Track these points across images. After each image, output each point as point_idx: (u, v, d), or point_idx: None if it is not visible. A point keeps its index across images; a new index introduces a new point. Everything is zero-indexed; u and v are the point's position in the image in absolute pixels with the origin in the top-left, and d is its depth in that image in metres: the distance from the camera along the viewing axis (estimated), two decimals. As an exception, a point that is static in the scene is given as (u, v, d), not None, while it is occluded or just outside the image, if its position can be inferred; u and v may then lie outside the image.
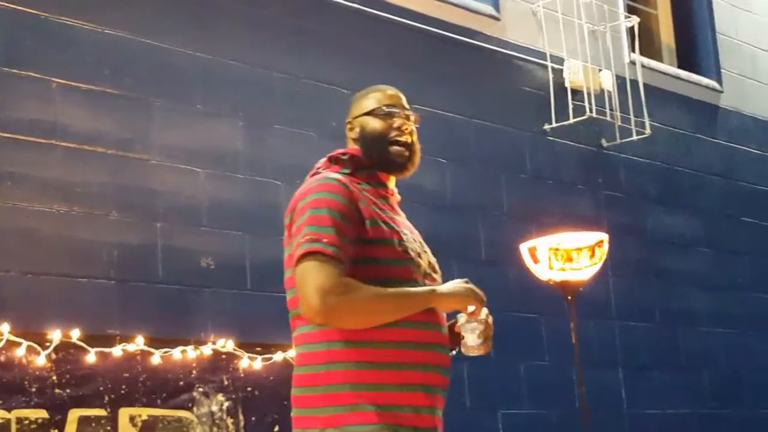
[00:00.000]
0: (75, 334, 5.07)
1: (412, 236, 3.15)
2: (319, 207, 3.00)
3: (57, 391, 4.98)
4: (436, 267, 3.21)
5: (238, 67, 6.14)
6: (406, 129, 3.22)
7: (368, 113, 3.24)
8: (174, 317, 5.56)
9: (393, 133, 3.20)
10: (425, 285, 3.06)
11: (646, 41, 9.01)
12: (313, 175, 3.21)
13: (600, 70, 8.03)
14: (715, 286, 8.74)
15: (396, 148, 3.20)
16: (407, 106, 3.29)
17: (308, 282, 2.91)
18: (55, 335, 5.01)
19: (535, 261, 6.24)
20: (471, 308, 3.05)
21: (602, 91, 7.99)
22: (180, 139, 5.81)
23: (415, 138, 3.25)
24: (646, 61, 8.69)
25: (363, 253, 3.00)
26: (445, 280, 3.14)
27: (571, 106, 7.76)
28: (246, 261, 5.91)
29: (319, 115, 6.44)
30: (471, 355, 3.11)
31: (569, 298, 6.27)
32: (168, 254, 5.61)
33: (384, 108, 3.23)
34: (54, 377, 4.98)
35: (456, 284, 3.04)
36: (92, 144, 5.46)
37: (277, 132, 6.24)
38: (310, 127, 6.34)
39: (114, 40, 5.65)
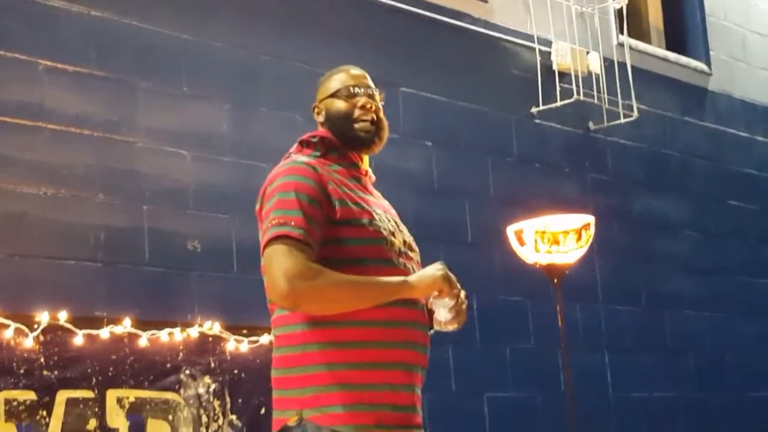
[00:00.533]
0: (62, 316, 5.08)
1: (385, 215, 3.16)
2: (287, 191, 3.00)
3: (45, 372, 4.99)
4: (413, 245, 3.22)
5: (225, 49, 6.14)
6: (370, 107, 3.24)
7: (332, 95, 3.27)
8: (161, 300, 5.56)
9: (357, 113, 3.23)
10: (399, 264, 3.07)
11: (634, 23, 9.01)
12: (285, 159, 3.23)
13: (588, 53, 8.03)
14: (702, 270, 8.76)
15: (361, 124, 3.22)
16: (371, 84, 3.32)
17: (275, 267, 2.91)
18: (43, 317, 5.01)
19: (522, 244, 6.25)
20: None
21: (590, 73, 7.99)
22: (166, 122, 5.81)
23: (381, 115, 3.27)
24: (635, 43, 8.69)
25: (332, 234, 3.00)
26: (430, 263, 3.14)
27: (558, 89, 7.77)
28: (232, 244, 5.91)
29: (305, 98, 6.36)
30: (443, 330, 3.13)
31: (555, 281, 6.29)
32: (155, 237, 5.61)
33: (347, 89, 3.26)
34: (42, 359, 4.99)
35: (428, 270, 3.04)
36: (79, 126, 5.46)
37: (263, 115, 6.24)
38: (296, 109, 6.33)
39: (100, 22, 5.64)
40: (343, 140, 3.23)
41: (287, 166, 3.10)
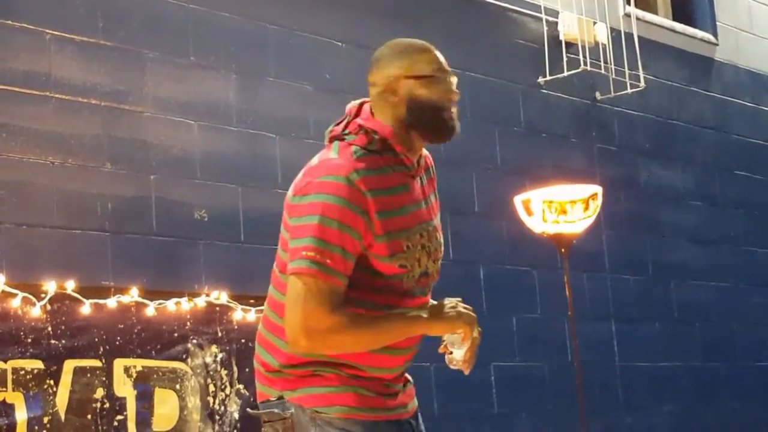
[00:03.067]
0: (70, 285, 5.09)
1: (422, 228, 2.93)
2: (330, 218, 2.76)
3: (52, 342, 5.00)
4: (440, 252, 3.01)
5: (232, 18, 6.12)
6: (457, 98, 2.98)
7: (419, 77, 2.92)
8: (168, 269, 5.57)
9: (449, 107, 2.94)
10: (414, 293, 2.92)
11: (641, -6, 8.98)
12: (334, 139, 2.98)
13: (594, 23, 8.01)
14: (708, 240, 8.76)
15: (453, 119, 2.95)
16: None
17: (299, 309, 2.77)
18: (50, 287, 5.02)
19: (529, 214, 6.25)
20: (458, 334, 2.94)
21: (597, 43, 7.97)
22: (173, 92, 5.80)
23: None
24: (641, 13, 8.66)
25: (361, 262, 2.84)
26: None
27: (565, 59, 7.75)
28: (239, 213, 5.92)
29: (313, 67, 6.43)
30: (452, 367, 3.03)
31: (563, 250, 6.30)
32: (162, 206, 5.62)
33: (440, 75, 2.93)
34: (49, 328, 5.01)
35: (447, 309, 2.87)
36: (86, 96, 5.45)
37: (270, 84, 6.23)
38: (304, 79, 6.33)
39: (107, -9, 5.64)
40: (423, 131, 2.93)
41: (334, 180, 2.80)
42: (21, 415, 4.83)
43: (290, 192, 2.91)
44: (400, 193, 2.90)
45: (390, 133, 2.90)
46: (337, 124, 3.01)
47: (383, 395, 2.93)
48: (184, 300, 5.48)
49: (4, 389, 4.81)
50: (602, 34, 8.01)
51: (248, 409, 3.09)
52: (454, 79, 2.97)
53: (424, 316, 2.86)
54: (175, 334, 5.43)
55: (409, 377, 3.08)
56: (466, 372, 3.00)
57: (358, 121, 2.95)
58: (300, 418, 2.87)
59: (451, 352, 2.99)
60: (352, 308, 2.81)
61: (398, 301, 2.90)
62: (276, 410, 2.91)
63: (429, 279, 2.98)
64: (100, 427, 5.07)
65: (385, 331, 2.85)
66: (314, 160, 2.95)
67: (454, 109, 2.95)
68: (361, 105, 3.02)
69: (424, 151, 3.06)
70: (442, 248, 3.05)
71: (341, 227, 2.76)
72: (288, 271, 2.82)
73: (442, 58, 2.96)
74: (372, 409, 2.90)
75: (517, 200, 6.32)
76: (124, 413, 5.16)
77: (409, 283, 2.90)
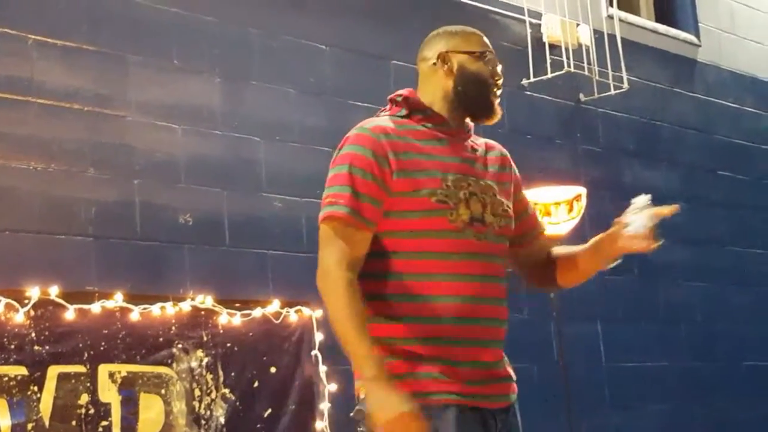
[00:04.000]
0: (53, 291, 5.07)
1: (469, 179, 3.03)
2: (343, 164, 2.96)
3: (36, 348, 4.98)
4: (501, 210, 3.07)
5: (215, 22, 6.11)
6: (502, 83, 3.16)
7: (471, 53, 3.13)
8: (152, 274, 5.56)
9: (494, 82, 3.14)
10: (467, 234, 2.96)
11: (623, -5, 9.00)
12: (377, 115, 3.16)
13: (578, 25, 8.02)
14: (693, 240, 8.77)
15: (497, 95, 3.13)
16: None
17: (321, 250, 2.94)
18: (34, 292, 5.00)
19: (514, 215, 6.25)
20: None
21: (580, 45, 7.98)
22: (157, 96, 5.79)
23: None
24: (624, 15, 8.68)
25: (393, 207, 2.95)
26: None
27: (548, 61, 7.75)
28: (224, 217, 5.90)
29: (297, 70, 6.42)
30: (637, 246, 2.98)
31: (547, 252, 6.29)
32: (146, 211, 5.60)
33: (489, 55, 3.15)
34: (33, 334, 4.98)
35: (391, 399, 2.79)
36: (69, 101, 5.44)
37: (254, 88, 6.22)
38: (287, 83, 6.32)
39: (89, -5, 5.62)
40: (468, 104, 3.11)
41: (356, 132, 3.01)
42: (5, 421, 4.80)
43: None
44: (430, 143, 3.03)
45: (411, 93, 3.10)
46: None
47: (451, 378, 2.92)
48: (168, 304, 5.46)
49: (-11, 396, 4.80)
50: (585, 36, 8.02)
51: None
52: (500, 66, 3.16)
53: (371, 366, 2.83)
54: (160, 339, 5.41)
55: (511, 373, 3.10)
56: (647, 247, 2.98)
57: (389, 97, 3.14)
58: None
59: (631, 222, 2.94)
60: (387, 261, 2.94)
61: (446, 244, 2.95)
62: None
63: (487, 228, 3.01)
64: (85, 433, 5.06)
65: (345, 325, 2.86)
66: None
67: (498, 92, 3.13)
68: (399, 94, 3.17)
69: (502, 148, 3.26)
70: (510, 212, 3.11)
71: (352, 170, 2.93)
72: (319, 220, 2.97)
73: (488, 43, 3.19)
74: (437, 393, 2.91)
75: (502, 202, 6.31)
76: (109, 419, 5.14)
77: (456, 223, 2.95)
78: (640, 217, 2.96)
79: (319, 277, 2.93)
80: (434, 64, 3.13)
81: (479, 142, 3.22)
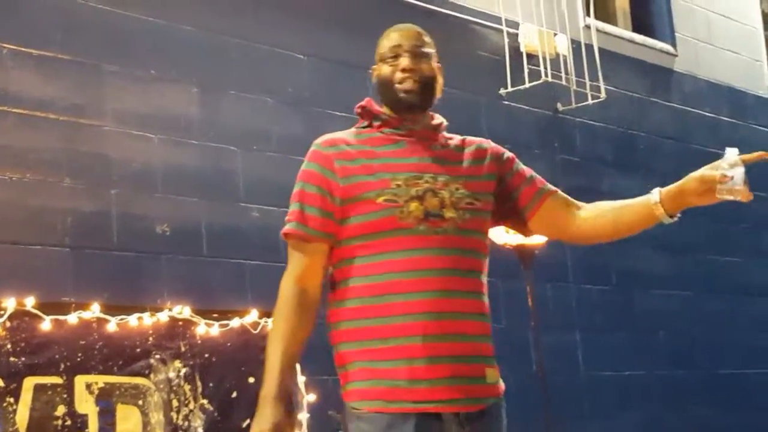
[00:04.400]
0: (29, 301, 5.04)
1: (424, 177, 3.03)
2: (297, 182, 3.10)
3: (12, 359, 4.95)
4: (464, 202, 3.05)
5: (192, 32, 6.10)
6: (413, 67, 3.14)
7: (380, 60, 3.19)
8: (130, 284, 5.53)
9: (398, 76, 3.14)
10: (420, 231, 2.96)
11: (600, 5, 9.01)
12: None
13: (555, 35, 8.04)
14: (671, 249, 8.79)
15: (403, 86, 3.13)
16: (420, 40, 3.21)
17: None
18: (10, 303, 4.98)
19: (491, 225, 6.25)
20: None
21: (557, 55, 8.00)
22: (133, 105, 5.77)
23: (428, 70, 3.18)
24: (601, 25, 8.70)
25: (343, 214, 3.00)
26: None
27: (526, 71, 7.77)
28: (202, 227, 5.89)
29: (274, 80, 6.41)
30: (733, 198, 2.98)
31: (526, 261, 6.30)
32: (123, 221, 5.58)
33: (391, 50, 3.17)
34: (9, 345, 4.96)
35: (259, 416, 2.94)
36: (45, 110, 5.42)
37: (232, 98, 6.21)
38: (265, 92, 6.31)
39: (66, 5, 5.60)
40: (391, 105, 3.16)
41: (311, 149, 3.12)
42: (-19, 433, 4.78)
43: None
44: (387, 148, 3.10)
45: (368, 101, 3.18)
46: None
47: (411, 383, 2.90)
48: (146, 315, 5.44)
49: (-36, 407, 4.77)
50: (563, 46, 8.04)
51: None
52: (420, 50, 3.17)
53: (267, 378, 2.99)
54: (138, 350, 5.38)
55: (488, 374, 3.04)
56: (747, 198, 2.97)
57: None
58: (346, 415, 2.98)
59: (731, 177, 2.93)
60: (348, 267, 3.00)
61: (399, 242, 2.96)
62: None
63: (446, 222, 3.00)
64: (62, 445, 5.03)
65: (270, 342, 3.04)
66: None
67: (405, 83, 3.13)
68: None
69: (484, 141, 3.29)
70: (478, 205, 3.09)
71: (303, 186, 3.07)
72: None
73: (404, 35, 3.21)
74: (396, 402, 2.90)
75: (480, 211, 6.31)
76: (86, 430, 5.11)
77: (407, 220, 2.96)
78: (739, 171, 2.94)
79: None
80: (373, 80, 3.24)
81: (457, 139, 3.25)
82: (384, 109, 3.17)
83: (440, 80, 3.25)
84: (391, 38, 3.20)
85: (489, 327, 3.09)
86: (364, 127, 3.16)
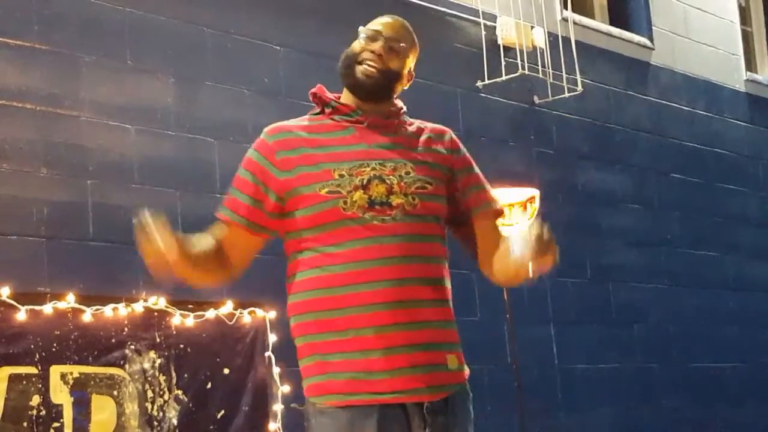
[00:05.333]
0: (5, 291, 5.03)
1: (371, 165, 2.99)
2: (239, 167, 3.11)
3: (-13, 349, 4.95)
4: (414, 189, 2.99)
5: (169, 22, 6.09)
6: (383, 55, 3.09)
7: (357, 38, 3.16)
8: (105, 275, 5.52)
9: (365, 55, 3.09)
10: (364, 220, 2.91)
11: (578, -2, 9.04)
12: None
13: (532, 27, 8.05)
14: (646, 242, 8.83)
15: (364, 67, 3.08)
16: (406, 39, 3.18)
17: None
18: (-15, 293, 4.97)
19: (468, 217, 6.26)
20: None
21: (534, 48, 8.01)
22: (110, 96, 5.76)
23: (397, 67, 3.12)
24: (578, 18, 8.72)
25: (288, 208, 2.99)
26: None
27: (503, 64, 7.78)
28: (178, 218, 5.87)
29: (251, 71, 6.40)
30: (526, 271, 2.91)
31: (501, 254, 6.31)
32: (99, 211, 5.57)
33: (371, 31, 3.14)
34: (-16, 335, 4.95)
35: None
36: (21, 100, 5.40)
37: (208, 88, 6.20)
38: (242, 83, 6.31)
39: (42, -6, 5.58)
40: (346, 82, 3.12)
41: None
42: (-44, 423, 4.78)
43: None
44: (335, 135, 3.05)
45: (318, 88, 3.16)
46: None
47: (369, 375, 2.87)
48: (121, 305, 5.43)
49: (-61, 397, 4.76)
50: (540, 39, 8.05)
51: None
52: (400, 47, 3.13)
53: None
54: (113, 340, 5.38)
55: (449, 360, 3.00)
56: (532, 275, 2.93)
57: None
58: (308, 409, 2.96)
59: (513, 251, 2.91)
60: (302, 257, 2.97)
61: (345, 232, 2.92)
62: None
63: (394, 209, 2.95)
64: (36, 435, 5.02)
65: None
66: None
67: (367, 65, 3.07)
68: None
69: (446, 131, 3.23)
70: (430, 189, 3.04)
71: (241, 173, 3.08)
72: None
73: (385, 26, 3.15)
74: (356, 394, 2.88)
75: (456, 204, 6.32)
76: (61, 420, 5.11)
77: (351, 210, 2.92)
78: (517, 244, 2.92)
79: None
80: None
81: (415, 125, 3.20)
82: (340, 96, 3.14)
83: (404, 84, 3.19)
84: (377, 23, 3.18)
85: (450, 312, 3.06)
86: (316, 114, 3.14)
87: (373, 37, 3.11)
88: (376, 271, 2.89)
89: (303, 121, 3.13)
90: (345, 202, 2.92)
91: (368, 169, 2.97)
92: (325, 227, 2.93)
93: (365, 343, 2.88)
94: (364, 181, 2.94)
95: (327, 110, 3.11)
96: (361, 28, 3.18)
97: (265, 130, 3.11)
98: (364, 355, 2.88)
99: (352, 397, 2.88)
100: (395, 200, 2.95)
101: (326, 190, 2.94)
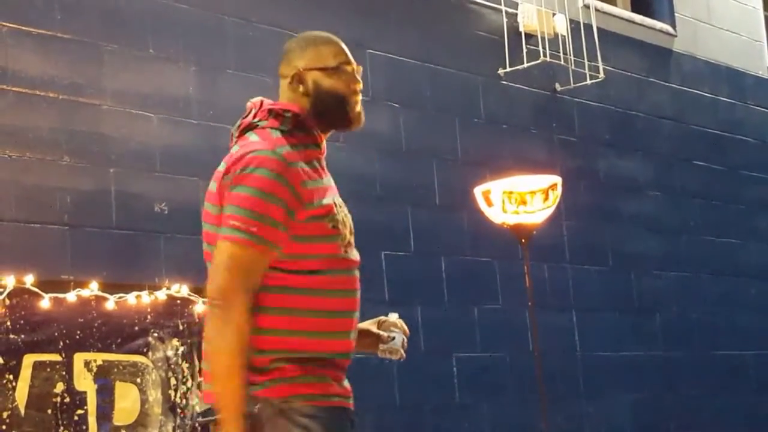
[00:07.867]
0: (29, 279, 5.06)
1: (338, 201, 3.01)
2: (266, 193, 2.83)
3: (11, 336, 4.97)
4: (352, 229, 3.05)
5: (191, 11, 6.10)
6: (361, 89, 3.06)
7: (325, 69, 3.01)
8: (128, 262, 5.55)
9: (354, 98, 3.03)
10: (347, 255, 2.96)
11: (600, -15, 9.01)
12: (249, 128, 3.02)
13: (554, 14, 8.03)
14: (667, 230, 8.81)
15: (357, 110, 3.03)
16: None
17: (229, 265, 2.88)
18: (9, 281, 4.99)
19: (489, 205, 6.27)
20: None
21: (556, 35, 8.00)
22: (132, 84, 5.78)
23: None
24: (600, 5, 8.69)
25: (298, 231, 2.88)
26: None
27: (525, 51, 7.77)
28: (199, 206, 5.85)
29: (272, 59, 6.34)
30: (390, 357, 3.17)
31: (523, 241, 6.31)
32: (121, 199, 5.60)
33: (344, 67, 3.03)
34: (8, 323, 4.98)
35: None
36: (44, 89, 5.42)
37: (229, 77, 6.21)
38: (263, 71, 6.31)
39: (65, -17, 5.60)
40: (329, 120, 3.02)
41: (268, 155, 2.86)
42: (-20, 410, 4.81)
43: (222, 169, 3.01)
44: (317, 167, 2.98)
45: (300, 109, 2.98)
46: (244, 118, 3.07)
47: (341, 383, 2.95)
48: (144, 293, 5.46)
49: (-37, 384, 4.79)
50: (561, 26, 8.04)
51: (198, 417, 3.05)
52: (359, 69, 3.07)
53: (235, 401, 2.81)
54: (136, 328, 5.40)
55: None
56: (402, 357, 3.17)
57: (266, 106, 3.02)
58: (267, 412, 2.85)
59: (393, 338, 3.14)
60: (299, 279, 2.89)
61: (340, 263, 2.94)
62: None
63: (353, 245, 3.01)
64: (60, 422, 5.05)
65: (226, 367, 2.82)
66: (236, 150, 2.98)
67: (357, 98, 3.04)
68: (261, 101, 3.07)
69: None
70: None
71: (273, 200, 2.82)
72: (219, 238, 2.92)
73: (347, 50, 3.07)
74: (336, 395, 2.92)
75: (478, 191, 6.33)
76: (85, 407, 5.14)
77: (344, 245, 2.95)
78: (399, 335, 3.17)
79: (215, 295, 2.89)
80: (290, 83, 3.03)
81: None
82: (304, 117, 3.00)
83: None
84: (339, 49, 3.06)
85: None
86: (282, 132, 2.95)
87: (346, 71, 3.03)
88: (354, 302, 3.00)
89: (286, 141, 2.92)
90: (343, 239, 2.96)
91: (340, 204, 3.01)
92: (329, 257, 2.94)
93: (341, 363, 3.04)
94: (344, 217, 2.99)
95: (298, 135, 2.95)
96: (326, 60, 3.02)
97: (282, 154, 2.85)
98: (338, 358, 3.00)
99: (334, 399, 2.95)
100: (351, 239, 3.03)
101: (332, 224, 2.93)
